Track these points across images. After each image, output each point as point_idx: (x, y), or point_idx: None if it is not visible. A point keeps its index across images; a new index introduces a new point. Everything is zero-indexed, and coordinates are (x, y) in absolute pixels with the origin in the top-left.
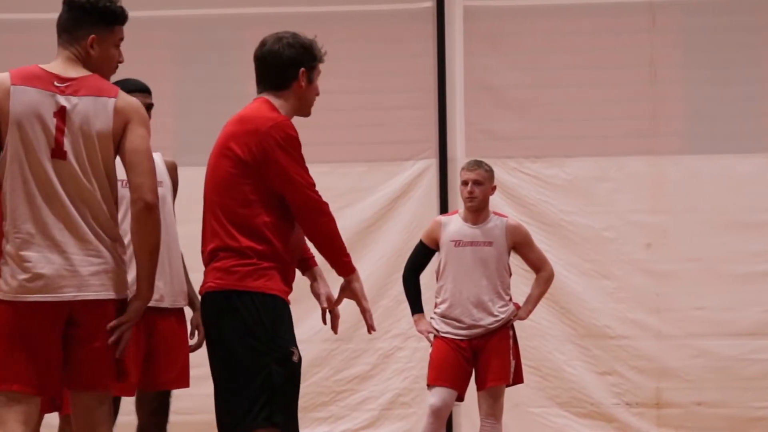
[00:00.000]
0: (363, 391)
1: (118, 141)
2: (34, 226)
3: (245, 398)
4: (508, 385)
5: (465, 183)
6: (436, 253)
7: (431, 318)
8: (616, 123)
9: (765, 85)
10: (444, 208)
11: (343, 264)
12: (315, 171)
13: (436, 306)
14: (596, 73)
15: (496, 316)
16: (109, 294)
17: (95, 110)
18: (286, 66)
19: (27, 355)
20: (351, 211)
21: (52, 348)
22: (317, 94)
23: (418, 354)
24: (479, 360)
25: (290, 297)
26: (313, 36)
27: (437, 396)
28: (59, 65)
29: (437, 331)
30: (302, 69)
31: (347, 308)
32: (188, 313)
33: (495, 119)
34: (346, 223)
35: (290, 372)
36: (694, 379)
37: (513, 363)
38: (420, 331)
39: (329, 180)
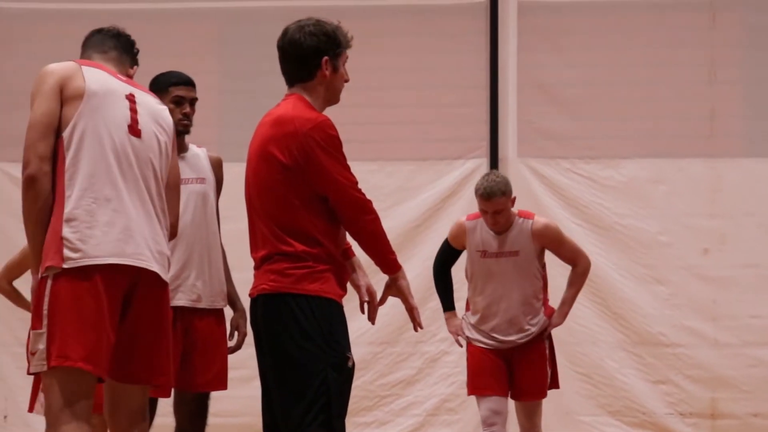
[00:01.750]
0: (408, 396)
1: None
2: (113, 192)
3: (302, 403)
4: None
5: (484, 212)
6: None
7: (463, 319)
8: (674, 123)
9: None
10: None
11: (388, 261)
12: (362, 169)
13: (467, 310)
14: (654, 71)
15: (526, 330)
16: (167, 277)
17: (157, 109)
18: (309, 56)
19: (91, 329)
20: (398, 210)
21: (111, 324)
22: (346, 81)
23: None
24: (514, 370)
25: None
26: (337, 23)
27: (486, 405)
28: (113, 66)
29: (469, 338)
30: (325, 57)
31: (393, 310)
32: (228, 313)
33: (548, 118)
34: (393, 222)
35: (345, 377)
36: (750, 389)
37: (549, 372)
38: (450, 332)
39: (377, 178)
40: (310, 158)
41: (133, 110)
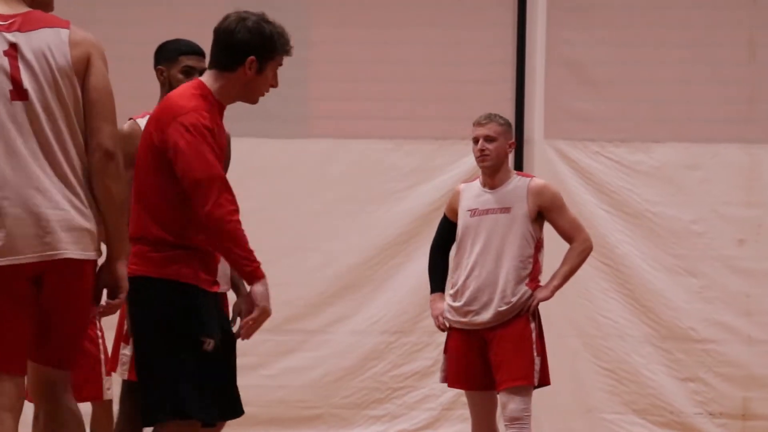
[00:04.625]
0: (423, 389)
1: (80, 77)
2: None
3: (151, 391)
4: (534, 387)
5: (476, 140)
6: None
7: (446, 302)
8: (710, 106)
9: None
10: None
11: (243, 267)
12: (378, 147)
13: (450, 287)
14: (689, 51)
15: (506, 298)
16: (81, 253)
17: (50, 43)
18: (237, 49)
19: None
20: (416, 192)
21: (18, 319)
22: (272, 86)
23: None
24: (495, 354)
25: (346, 283)
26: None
27: (471, 400)
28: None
29: (448, 320)
30: (252, 57)
31: (408, 298)
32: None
33: (577, 98)
34: (410, 205)
35: (200, 361)
36: None
37: (538, 361)
38: (432, 315)
39: (394, 157)
40: (171, 143)
41: (14, 67)
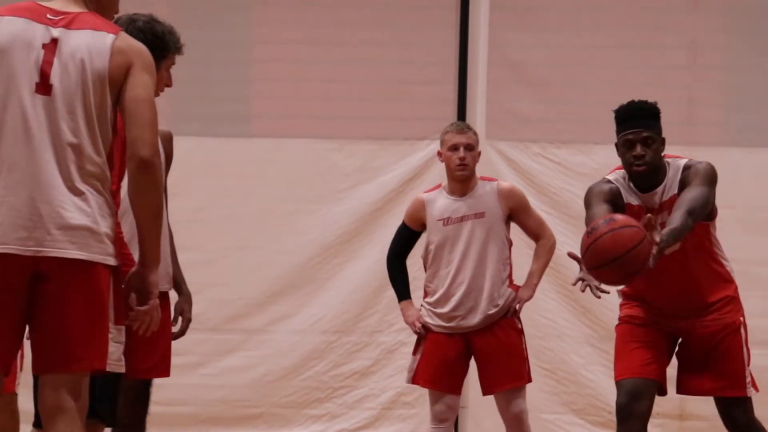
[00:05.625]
0: (363, 389)
1: (117, 86)
2: (5, 167)
3: None
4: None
5: (455, 148)
6: (423, 234)
7: (421, 308)
8: None
9: None
10: None
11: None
12: (320, 147)
13: (426, 296)
14: (631, 53)
15: (494, 301)
16: (79, 253)
17: (91, 45)
18: None
19: None
20: (358, 192)
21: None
22: (168, 85)
23: None
24: (485, 358)
25: (287, 282)
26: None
27: (442, 403)
28: (58, 2)
29: (428, 325)
30: None
31: (350, 298)
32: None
33: (519, 99)
34: (352, 204)
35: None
36: None
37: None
38: (408, 322)
39: (335, 157)
40: None
41: (47, 62)
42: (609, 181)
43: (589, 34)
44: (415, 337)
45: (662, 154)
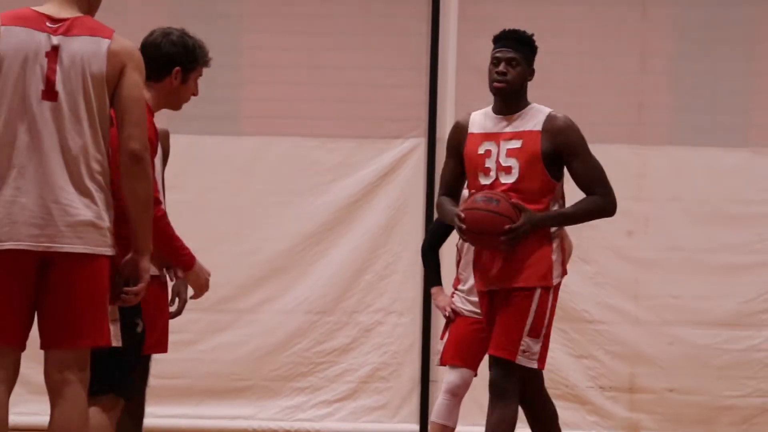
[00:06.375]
0: (342, 364)
1: (112, 87)
2: (12, 170)
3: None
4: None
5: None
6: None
7: (453, 294)
8: (603, 111)
9: (753, 80)
10: (431, 187)
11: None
12: (304, 144)
13: (457, 283)
14: (586, 60)
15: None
16: (84, 248)
17: (89, 51)
18: (163, 61)
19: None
20: (338, 185)
21: (19, 300)
22: (194, 94)
23: (399, 329)
24: None
25: (273, 267)
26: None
27: (457, 375)
28: (52, 7)
29: (459, 310)
30: (177, 68)
31: (330, 281)
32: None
33: (485, 101)
34: (332, 197)
35: (136, 342)
36: (667, 366)
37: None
38: (439, 307)
39: (318, 154)
40: None
41: (51, 70)
42: (468, 114)
43: (548, 43)
44: (389, 318)
45: (526, 83)
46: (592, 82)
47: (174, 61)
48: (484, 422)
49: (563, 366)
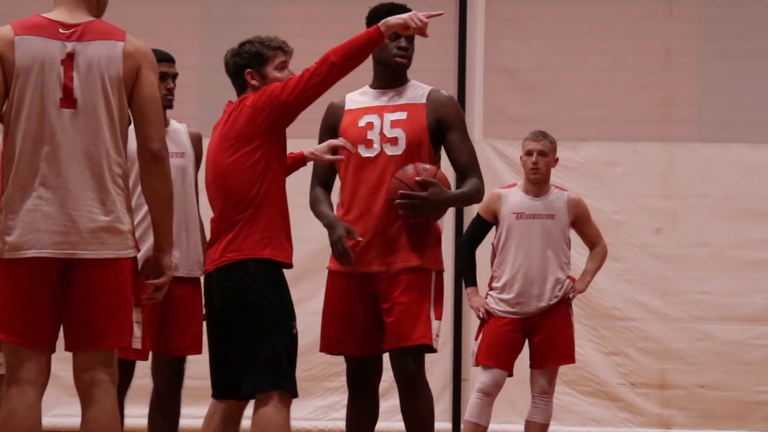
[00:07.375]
0: None
1: (129, 88)
2: (36, 178)
3: (256, 365)
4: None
5: (529, 153)
6: (494, 228)
7: (487, 296)
8: (631, 109)
9: None
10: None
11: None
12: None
13: (492, 281)
14: (613, 59)
15: (556, 292)
16: (106, 253)
17: (104, 55)
18: (236, 73)
19: (21, 310)
20: None
21: (45, 305)
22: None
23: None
24: (539, 338)
25: (304, 268)
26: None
27: (490, 376)
28: (62, 13)
29: (493, 311)
30: (248, 71)
31: None
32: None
33: (512, 101)
34: None
35: (293, 342)
36: (698, 362)
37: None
38: (473, 307)
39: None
40: None
41: (69, 77)
42: (343, 96)
43: (574, 42)
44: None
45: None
46: (619, 80)
47: (242, 68)
48: (516, 420)
49: (594, 363)
